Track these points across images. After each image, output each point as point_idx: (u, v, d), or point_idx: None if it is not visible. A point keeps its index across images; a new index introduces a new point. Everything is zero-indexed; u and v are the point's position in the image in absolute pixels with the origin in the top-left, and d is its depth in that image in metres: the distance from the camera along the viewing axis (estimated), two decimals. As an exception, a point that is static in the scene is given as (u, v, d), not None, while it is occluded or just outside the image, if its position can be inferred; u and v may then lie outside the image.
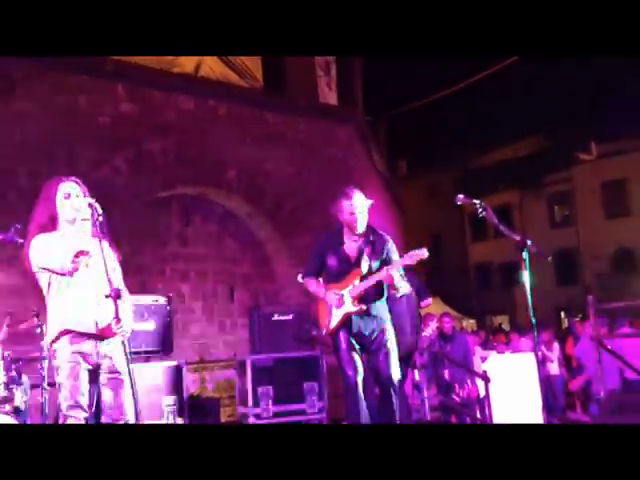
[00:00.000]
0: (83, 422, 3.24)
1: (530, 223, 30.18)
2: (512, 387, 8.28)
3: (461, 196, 4.18)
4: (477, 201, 4.14)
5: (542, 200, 31.00)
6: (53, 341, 3.37)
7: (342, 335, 4.25)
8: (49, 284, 3.42)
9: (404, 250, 4.48)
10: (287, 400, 6.36)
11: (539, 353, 7.90)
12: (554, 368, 9.48)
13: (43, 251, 3.34)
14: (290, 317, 6.74)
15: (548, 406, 7.19)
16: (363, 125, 11.05)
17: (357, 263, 4.30)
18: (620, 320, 8.49)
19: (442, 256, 31.29)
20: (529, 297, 3.97)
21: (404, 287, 4.27)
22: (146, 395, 5.56)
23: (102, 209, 3.36)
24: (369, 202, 4.37)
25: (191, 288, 8.71)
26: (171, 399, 5.84)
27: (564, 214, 31.01)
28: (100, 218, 3.33)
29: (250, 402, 6.26)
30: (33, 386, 5.36)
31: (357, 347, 4.27)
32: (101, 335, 3.37)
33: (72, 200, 3.43)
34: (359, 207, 4.29)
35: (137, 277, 7.59)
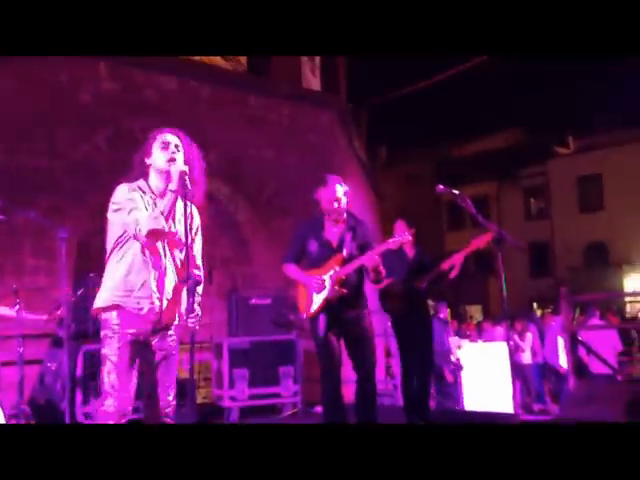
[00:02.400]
0: (115, 403, 2.95)
1: (506, 215, 30.49)
2: (484, 375, 8.46)
3: (441, 186, 4.24)
4: (456, 192, 4.21)
5: (518, 192, 31.27)
6: (102, 309, 3.03)
7: (321, 319, 4.25)
8: (117, 242, 3.04)
9: (382, 237, 4.54)
10: (262, 383, 6.42)
11: (511, 342, 8.06)
12: (526, 357, 9.67)
13: (123, 211, 3.00)
14: (268, 301, 6.77)
15: (519, 395, 7.34)
16: (345, 112, 11.06)
17: (339, 248, 4.33)
18: (590, 312, 8.65)
19: (418, 244, 31.37)
20: (504, 287, 4.06)
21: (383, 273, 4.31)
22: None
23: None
24: (346, 188, 4.43)
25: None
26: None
27: (539, 207, 31.32)
28: (188, 193, 2.92)
29: (226, 384, 6.31)
30: (6, 363, 5.33)
31: (336, 332, 4.28)
32: (159, 320, 3.07)
33: (169, 151, 3.07)
34: (339, 194, 4.35)
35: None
